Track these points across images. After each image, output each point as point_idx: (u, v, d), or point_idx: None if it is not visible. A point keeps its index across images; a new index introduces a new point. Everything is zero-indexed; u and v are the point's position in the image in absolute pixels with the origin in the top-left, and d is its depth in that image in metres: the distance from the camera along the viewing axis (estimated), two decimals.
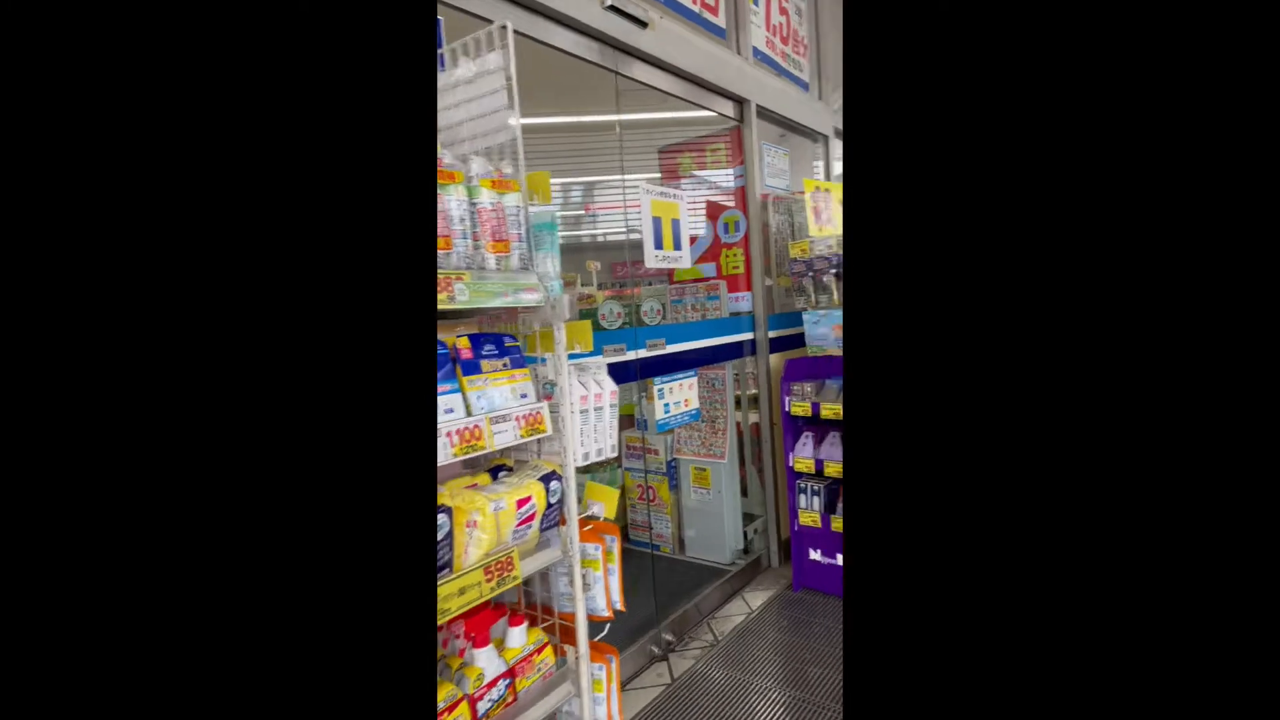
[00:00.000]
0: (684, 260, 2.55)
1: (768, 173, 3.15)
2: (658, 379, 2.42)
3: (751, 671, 2.23)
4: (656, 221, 2.41)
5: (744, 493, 3.48)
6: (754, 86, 3.00)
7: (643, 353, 2.31)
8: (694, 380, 2.62)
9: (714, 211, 3.19)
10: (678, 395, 2.52)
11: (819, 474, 2.66)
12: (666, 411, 2.46)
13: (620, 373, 2.21)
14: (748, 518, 3.28)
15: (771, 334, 3.01)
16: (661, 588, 2.86)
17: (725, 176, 3.19)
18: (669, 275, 3.45)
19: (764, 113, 3.09)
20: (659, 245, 2.42)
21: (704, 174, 3.29)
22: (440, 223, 1.13)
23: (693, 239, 3.22)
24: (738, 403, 3.59)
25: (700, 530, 3.17)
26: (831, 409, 2.57)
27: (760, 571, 3.05)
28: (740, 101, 2.96)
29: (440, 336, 1.22)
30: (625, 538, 3.45)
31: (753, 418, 3.20)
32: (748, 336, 2.98)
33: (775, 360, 3.04)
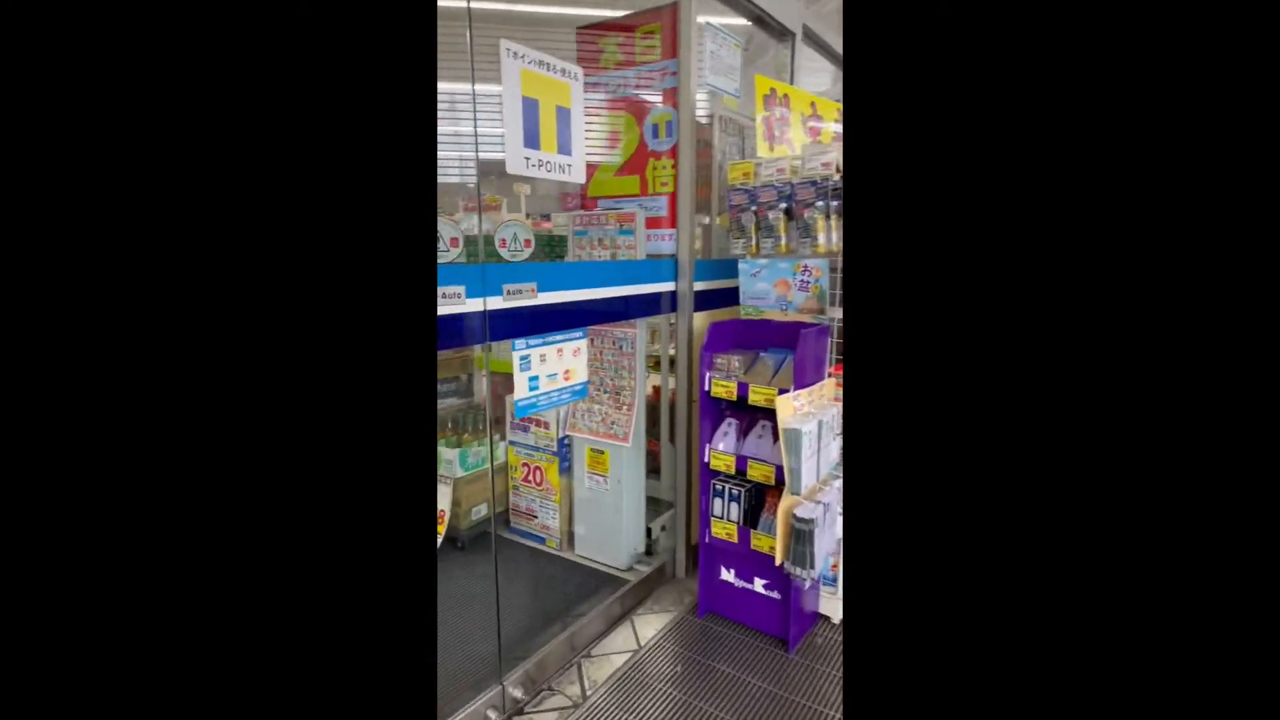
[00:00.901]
0: (574, 169, 1.78)
1: (711, 66, 2.35)
2: (521, 341, 1.68)
3: None
4: (530, 106, 1.62)
5: (655, 473, 2.84)
6: None
7: (497, 301, 1.56)
8: (581, 344, 1.90)
9: (640, 111, 2.39)
10: (553, 365, 1.79)
11: (740, 475, 2.02)
12: (533, 388, 1.74)
13: (452, 330, 1.46)
14: (656, 506, 2.66)
15: (699, 285, 2.30)
16: (531, 602, 2.23)
17: (658, 75, 2.37)
18: (581, 196, 2.67)
19: None
20: (532, 143, 1.64)
21: (634, 71, 2.46)
22: None
23: (613, 139, 2.43)
24: (656, 364, 2.91)
25: (593, 527, 2.53)
26: (764, 393, 1.90)
27: (663, 583, 2.45)
28: None
29: None
30: (505, 525, 2.79)
31: (673, 383, 2.52)
32: (667, 287, 2.25)
33: (700, 321, 2.34)
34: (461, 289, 1.47)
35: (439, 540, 2.67)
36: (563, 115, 1.72)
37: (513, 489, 2.74)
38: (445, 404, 2.74)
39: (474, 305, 1.51)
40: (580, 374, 1.91)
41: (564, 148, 1.73)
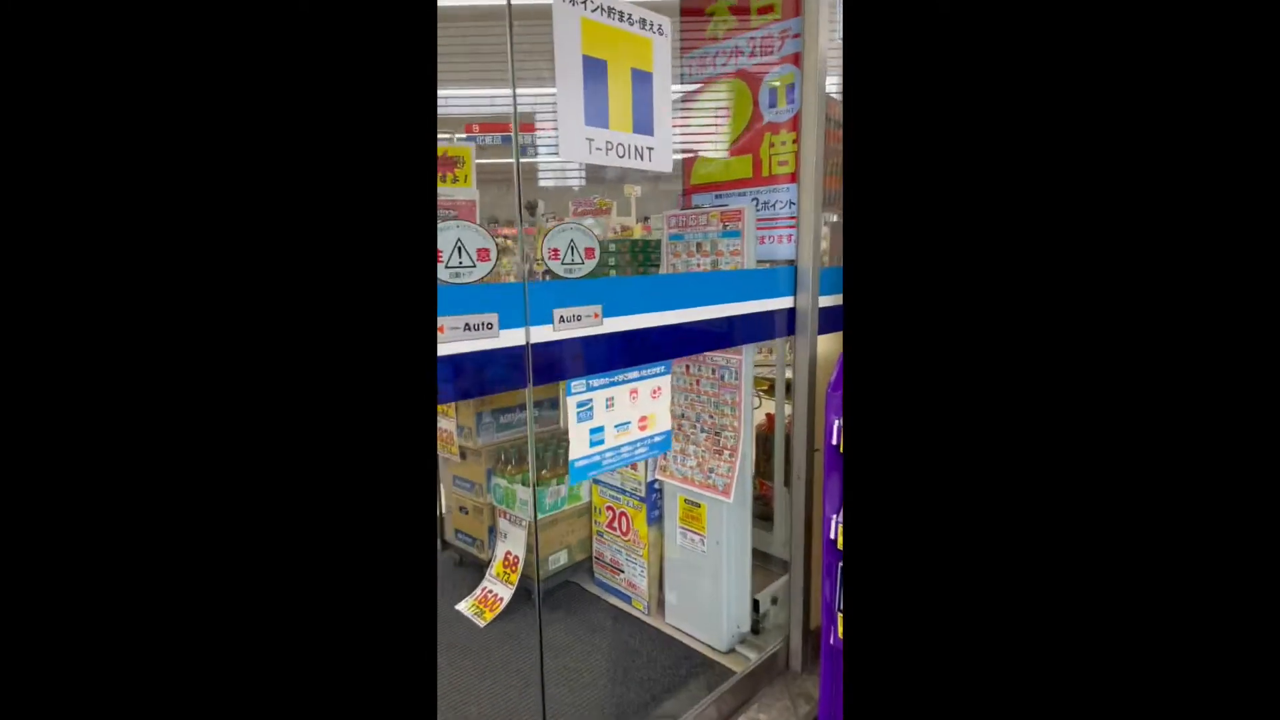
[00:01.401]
0: (657, 154, 1.35)
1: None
2: (579, 382, 1.28)
3: None
4: (594, 70, 1.21)
5: (765, 519, 2.34)
6: None
7: (545, 332, 1.17)
8: (664, 382, 1.46)
9: (754, 79, 1.92)
10: (624, 411, 1.37)
11: None
12: (596, 442, 1.33)
13: (478, 372, 1.09)
14: (765, 564, 2.16)
15: (826, 301, 1.78)
16: (608, 682, 1.82)
17: (778, 40, 1.88)
18: (684, 192, 2.24)
19: None
20: (597, 119, 1.23)
21: (748, 37, 1.98)
22: None
23: (720, 118, 1.98)
24: (769, 389, 2.40)
25: (686, 594, 2.08)
26: None
27: (773, 678, 1.95)
28: None
29: None
30: (589, 575, 2.42)
31: (790, 409, 2.01)
32: (783, 304, 1.76)
33: (827, 345, 1.82)
34: (493, 317, 1.09)
35: (510, 590, 2.38)
36: (642, 82, 1.30)
37: (597, 535, 2.37)
38: (517, 435, 2.43)
39: (512, 339, 1.13)
40: (661, 421, 1.48)
41: (643, 125, 1.31)
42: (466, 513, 2.49)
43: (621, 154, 1.28)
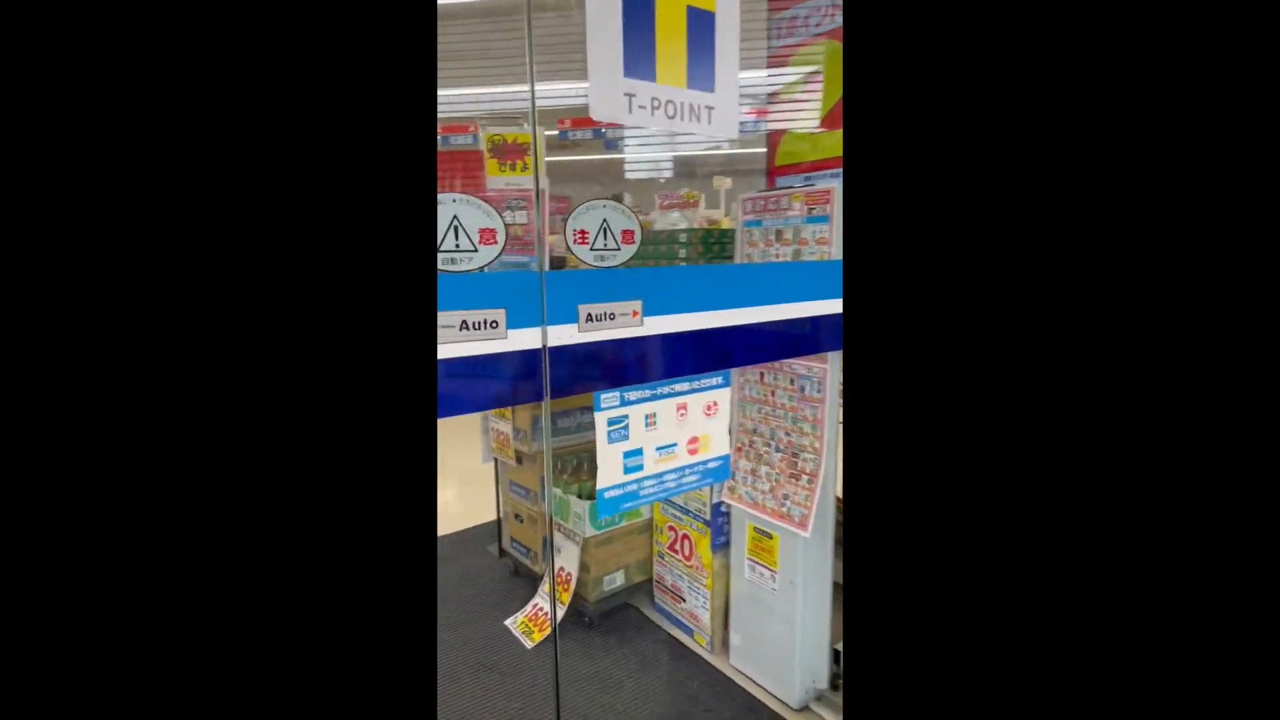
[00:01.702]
0: (719, 117, 1.09)
1: None
2: (611, 395, 1.05)
3: None
4: (636, 9, 0.97)
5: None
6: None
7: (568, 332, 0.95)
8: (722, 395, 1.20)
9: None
10: (669, 431, 1.13)
11: None
12: (632, 468, 1.09)
13: (476, 380, 0.89)
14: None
15: None
16: None
17: None
18: (767, 173, 1.97)
19: None
20: (640, 69, 0.99)
21: None
22: None
23: (812, 85, 1.71)
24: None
25: (753, 636, 1.81)
26: None
27: None
28: None
29: None
30: (650, 599, 2.20)
31: None
32: None
33: None
34: (499, 314, 0.89)
35: (561, 610, 2.20)
36: (700, 24, 1.05)
37: (658, 556, 2.14)
38: (576, 441, 2.23)
39: (524, 340, 0.91)
40: (717, 443, 1.22)
41: (701, 78, 1.06)
42: (522, 521, 2.34)
43: (672, 114, 1.03)
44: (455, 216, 0.86)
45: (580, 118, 6.00)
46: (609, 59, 0.95)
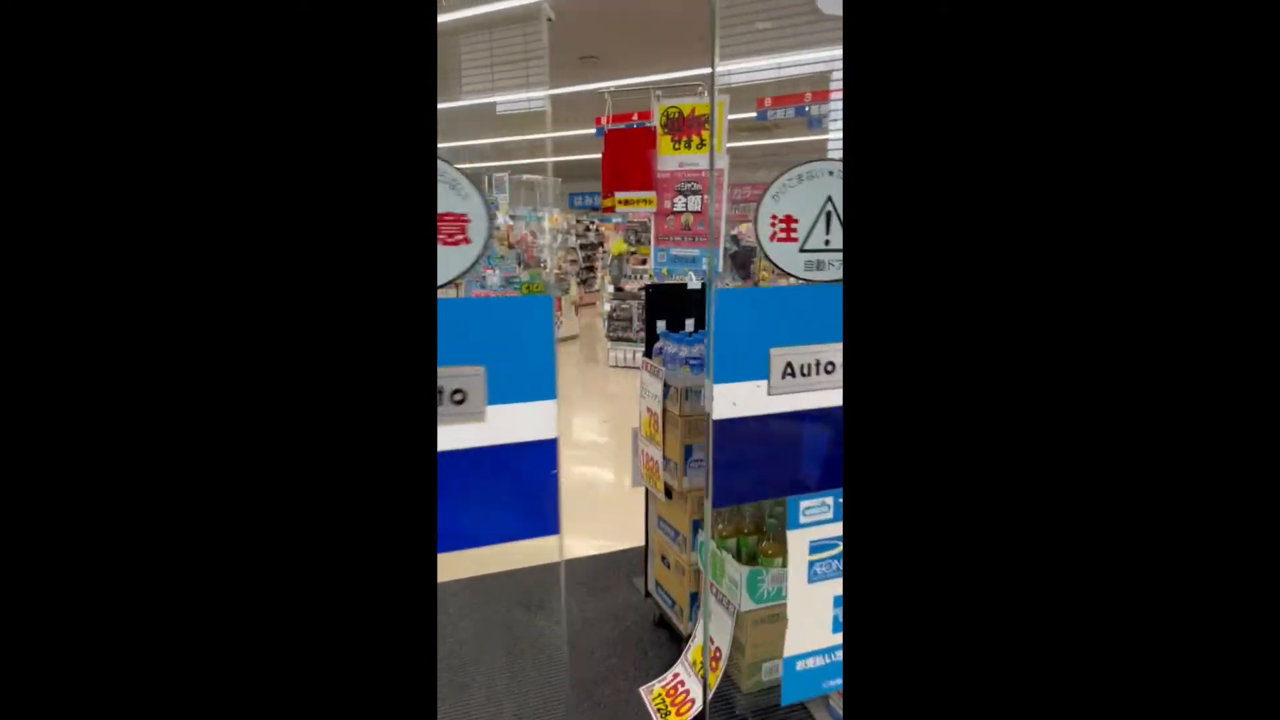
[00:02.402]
0: None
1: None
2: (816, 500, 0.61)
3: None
4: None
5: None
6: None
7: (755, 396, 0.53)
8: None
9: None
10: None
11: None
12: (840, 625, 0.64)
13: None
14: None
15: None
16: None
17: None
18: None
19: None
20: None
21: None
22: None
23: None
24: None
25: None
26: None
27: None
28: None
29: None
30: (825, 704, 1.71)
31: None
32: None
33: None
34: (477, 373, 0.50)
35: (708, 691, 1.80)
36: None
37: None
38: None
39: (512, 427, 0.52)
40: None
41: None
42: (669, 567, 1.98)
43: None
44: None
45: (781, 95, 5.44)
46: None
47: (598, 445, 4.10)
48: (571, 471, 3.48)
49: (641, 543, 2.23)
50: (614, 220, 9.94)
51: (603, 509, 3.12)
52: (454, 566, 2.44)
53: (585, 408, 5.10)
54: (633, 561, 2.47)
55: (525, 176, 10.71)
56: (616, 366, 6.23)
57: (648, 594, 2.18)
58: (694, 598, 1.87)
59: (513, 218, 7.72)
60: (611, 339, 6.40)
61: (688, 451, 1.78)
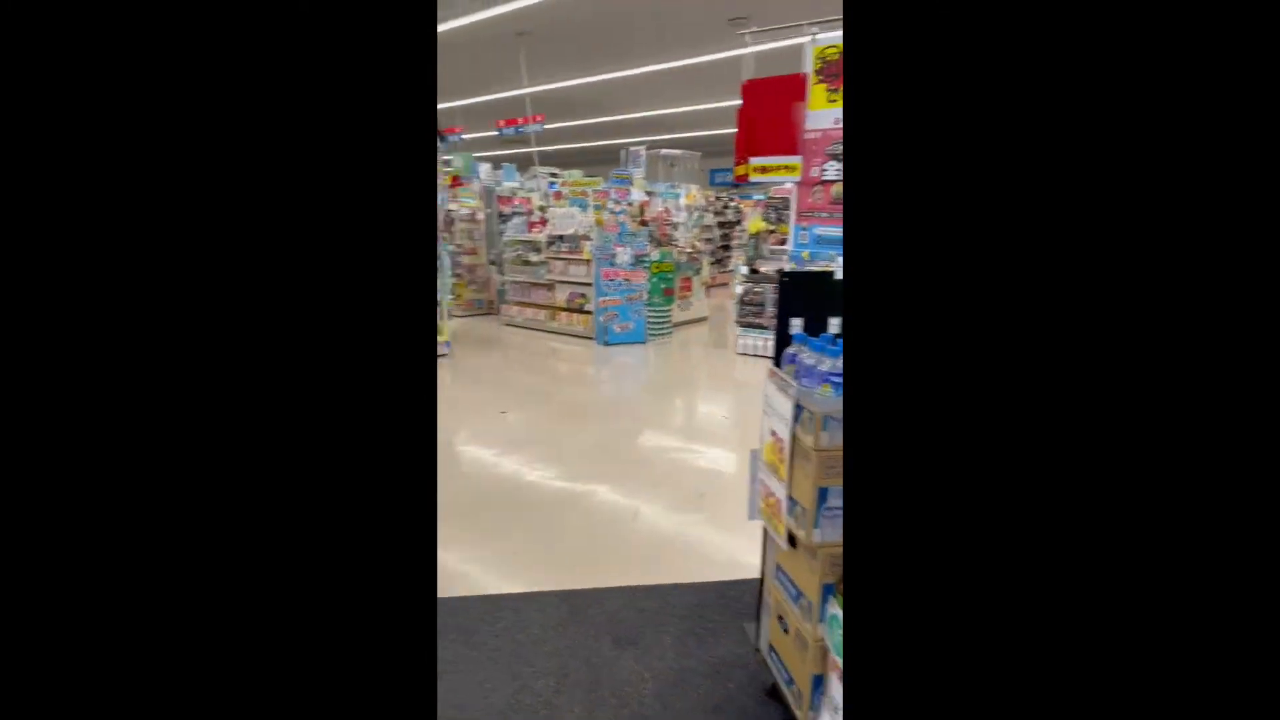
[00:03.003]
0: None
1: None
2: None
3: None
4: None
5: None
6: None
7: None
8: None
9: None
10: None
11: None
12: None
13: None
14: None
15: None
16: None
17: None
18: None
19: None
20: None
21: None
22: None
23: None
24: None
25: None
26: None
27: None
28: None
29: None
30: None
31: None
32: None
33: None
34: None
35: None
36: None
37: None
38: None
39: None
40: None
41: None
42: (787, 631, 1.58)
43: None
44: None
45: None
46: None
47: (718, 436, 3.70)
48: (683, 462, 3.14)
49: (758, 574, 1.84)
50: (755, 196, 9.29)
51: (715, 515, 2.73)
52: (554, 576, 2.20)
53: (708, 399, 4.73)
54: (746, 600, 2.09)
55: (664, 152, 10.36)
56: (745, 355, 5.77)
57: (757, 650, 1.79)
58: (817, 680, 1.46)
59: (648, 193, 7.43)
60: (741, 324, 5.93)
61: (822, 495, 1.36)
